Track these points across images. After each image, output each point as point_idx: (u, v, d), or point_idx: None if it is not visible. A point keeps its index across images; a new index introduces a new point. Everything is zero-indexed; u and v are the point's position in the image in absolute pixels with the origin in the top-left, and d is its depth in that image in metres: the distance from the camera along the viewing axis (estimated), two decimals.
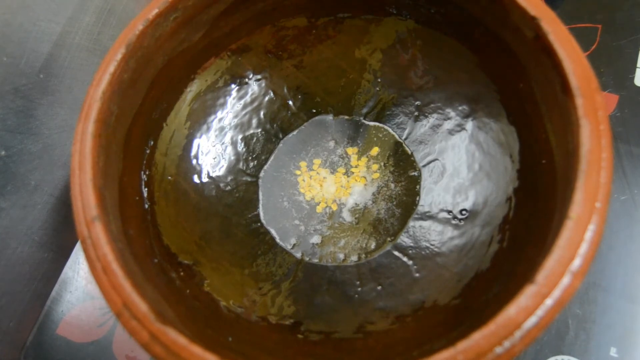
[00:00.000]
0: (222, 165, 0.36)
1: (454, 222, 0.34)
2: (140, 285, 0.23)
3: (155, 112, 0.32)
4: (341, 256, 0.35)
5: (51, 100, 0.36)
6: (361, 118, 0.38)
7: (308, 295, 0.33)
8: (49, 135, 0.36)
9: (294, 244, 0.35)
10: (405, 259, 0.34)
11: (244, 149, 0.37)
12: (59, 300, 0.38)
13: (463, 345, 0.22)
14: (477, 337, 0.21)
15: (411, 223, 0.35)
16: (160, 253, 0.30)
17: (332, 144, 0.38)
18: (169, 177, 0.33)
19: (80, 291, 0.38)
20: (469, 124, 0.35)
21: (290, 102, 0.38)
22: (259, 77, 0.37)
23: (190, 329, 0.24)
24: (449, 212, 0.34)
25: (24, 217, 0.35)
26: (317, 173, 0.37)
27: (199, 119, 0.36)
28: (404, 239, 0.35)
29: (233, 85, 0.37)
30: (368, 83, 0.38)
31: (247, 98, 0.37)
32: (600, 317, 0.35)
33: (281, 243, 0.35)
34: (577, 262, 0.20)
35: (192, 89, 0.35)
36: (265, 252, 0.35)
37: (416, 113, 0.37)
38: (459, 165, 0.35)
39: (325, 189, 0.37)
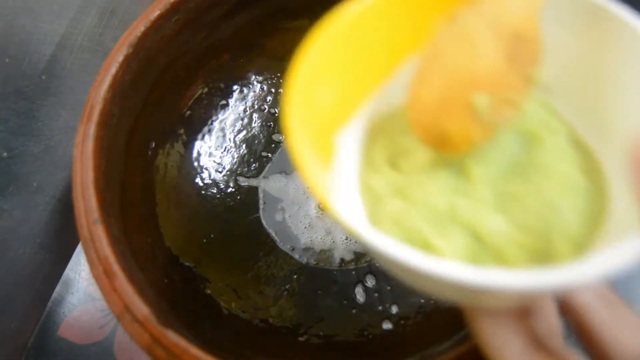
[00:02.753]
0: (224, 167, 0.36)
1: None
2: (142, 288, 0.23)
3: (156, 113, 0.32)
4: (343, 259, 0.35)
5: (53, 101, 0.36)
6: None
7: (309, 298, 0.33)
8: (51, 136, 0.36)
9: (295, 247, 0.35)
10: None
11: (245, 151, 0.37)
12: (60, 302, 0.38)
13: (465, 348, 0.22)
14: None
15: None
16: (162, 255, 0.30)
17: None
18: (171, 179, 0.33)
19: (82, 293, 0.38)
20: None
21: None
22: (260, 78, 0.37)
23: (191, 332, 0.24)
24: None
25: (25, 219, 0.35)
26: None
27: (200, 121, 0.36)
28: None
29: (235, 87, 0.37)
30: None
31: (249, 100, 0.37)
32: None
33: (282, 246, 0.35)
34: None
35: (194, 91, 0.35)
36: (266, 255, 0.35)
37: None
38: None
39: None
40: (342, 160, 0.19)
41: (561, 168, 0.18)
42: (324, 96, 0.19)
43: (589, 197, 0.18)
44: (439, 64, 0.18)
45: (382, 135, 0.20)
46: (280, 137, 0.38)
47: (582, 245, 0.17)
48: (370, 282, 0.34)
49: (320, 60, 0.18)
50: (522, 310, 0.17)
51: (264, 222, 0.36)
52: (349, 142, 0.20)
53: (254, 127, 0.38)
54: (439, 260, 0.13)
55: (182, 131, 0.34)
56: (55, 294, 0.38)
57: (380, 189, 0.19)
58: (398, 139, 0.20)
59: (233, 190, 0.36)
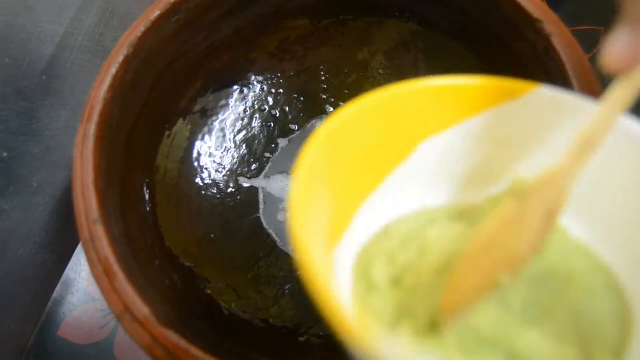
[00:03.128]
0: (224, 167, 0.36)
1: None
2: (142, 288, 0.23)
3: (156, 114, 0.32)
4: None
5: (53, 101, 0.36)
6: None
7: (309, 298, 0.33)
8: (51, 136, 0.36)
9: None
10: None
11: (246, 151, 0.37)
12: (60, 302, 0.38)
13: None
14: None
15: None
16: (162, 255, 0.30)
17: None
18: (171, 179, 0.33)
19: (82, 293, 0.38)
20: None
21: (292, 104, 0.38)
22: (260, 78, 0.37)
23: (191, 332, 0.24)
24: None
25: (25, 219, 0.35)
26: None
27: (200, 121, 0.36)
28: None
29: (235, 87, 0.37)
30: (370, 85, 0.38)
31: (249, 100, 0.37)
32: None
33: (282, 246, 0.35)
34: None
35: (194, 91, 0.35)
36: (266, 255, 0.35)
37: None
38: None
39: None
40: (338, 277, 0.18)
41: (579, 270, 0.18)
42: (320, 207, 0.18)
43: (615, 301, 0.17)
44: (489, 252, 0.18)
45: (378, 252, 0.20)
46: (281, 139, 0.38)
47: (619, 352, 0.16)
48: None
49: (316, 168, 0.17)
50: None
51: (264, 222, 0.36)
52: (341, 258, 0.19)
53: (254, 127, 0.38)
54: None
55: (182, 131, 0.35)
56: (55, 294, 0.38)
57: (385, 312, 0.18)
58: (397, 255, 0.19)
59: (233, 190, 0.36)
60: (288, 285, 0.33)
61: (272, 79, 0.37)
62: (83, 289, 0.39)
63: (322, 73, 0.38)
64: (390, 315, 0.18)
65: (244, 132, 0.37)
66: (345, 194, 0.20)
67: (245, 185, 0.37)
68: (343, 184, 0.19)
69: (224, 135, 0.37)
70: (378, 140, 0.20)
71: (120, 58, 0.26)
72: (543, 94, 0.19)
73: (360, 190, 0.20)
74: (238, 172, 0.37)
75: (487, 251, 0.18)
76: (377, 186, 0.21)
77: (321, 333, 0.31)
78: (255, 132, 0.38)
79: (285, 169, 0.38)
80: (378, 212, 0.21)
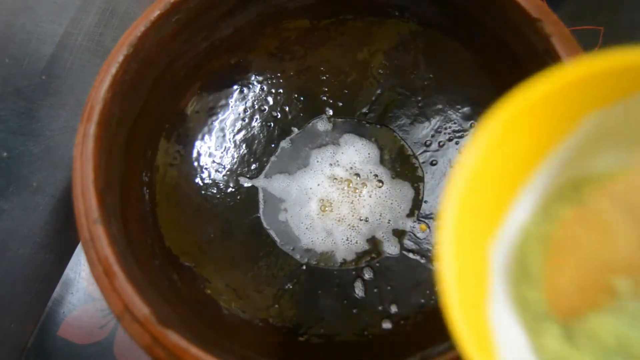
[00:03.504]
0: (224, 167, 0.36)
1: None
2: (142, 288, 0.23)
3: (156, 114, 0.32)
4: (343, 259, 0.35)
5: (53, 101, 0.36)
6: (363, 119, 0.38)
7: (310, 298, 0.33)
8: (51, 136, 0.36)
9: (296, 247, 0.35)
10: (407, 262, 0.34)
11: (246, 151, 0.37)
12: (60, 302, 0.38)
13: None
14: None
15: (414, 225, 0.35)
16: (162, 255, 0.30)
17: (334, 146, 0.38)
18: (171, 179, 0.33)
19: (82, 293, 0.38)
20: (471, 126, 0.35)
21: (292, 104, 0.38)
22: (260, 78, 0.37)
23: (191, 332, 0.24)
24: None
25: (25, 219, 0.35)
26: (321, 174, 0.37)
27: (200, 121, 0.36)
28: (406, 242, 0.35)
29: (235, 87, 0.37)
30: (370, 85, 0.38)
31: (249, 100, 0.37)
32: None
33: (282, 246, 0.35)
34: None
35: (194, 91, 0.35)
36: (266, 255, 0.35)
37: (418, 114, 0.37)
38: None
39: (328, 192, 0.37)
40: (494, 271, 0.17)
41: None
42: (478, 200, 0.17)
43: None
44: (573, 254, 0.17)
45: (536, 235, 0.18)
46: (281, 140, 0.38)
47: None
48: (371, 282, 0.34)
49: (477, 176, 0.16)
50: None
51: (264, 222, 0.36)
52: (500, 253, 0.18)
53: (254, 127, 0.38)
54: None
55: (182, 131, 0.35)
56: (55, 294, 0.38)
57: (535, 307, 0.17)
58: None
59: (233, 190, 0.36)
60: (288, 285, 0.33)
61: (272, 79, 0.37)
62: (83, 289, 0.39)
63: (322, 73, 0.38)
64: (540, 312, 0.17)
65: (244, 132, 0.37)
66: (504, 183, 0.18)
67: (245, 185, 0.37)
68: (500, 176, 0.18)
69: (224, 135, 0.37)
70: (539, 125, 0.17)
71: (120, 58, 0.26)
72: None
73: (518, 174, 0.18)
74: (238, 172, 0.37)
75: (572, 252, 0.17)
76: (535, 169, 0.18)
77: (321, 332, 0.31)
78: (256, 132, 0.38)
79: (285, 169, 0.38)
80: (538, 194, 0.19)
